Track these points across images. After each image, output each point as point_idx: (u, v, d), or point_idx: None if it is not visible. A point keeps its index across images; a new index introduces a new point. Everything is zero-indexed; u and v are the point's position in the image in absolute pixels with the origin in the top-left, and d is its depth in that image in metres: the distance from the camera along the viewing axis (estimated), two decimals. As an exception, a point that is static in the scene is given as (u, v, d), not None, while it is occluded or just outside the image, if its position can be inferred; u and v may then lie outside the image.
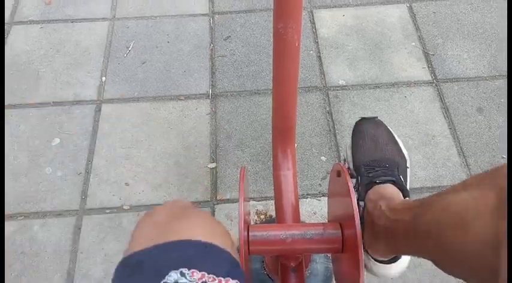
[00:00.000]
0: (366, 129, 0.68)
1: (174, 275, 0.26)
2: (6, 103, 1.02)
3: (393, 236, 0.49)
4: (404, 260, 0.59)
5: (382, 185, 0.58)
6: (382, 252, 0.55)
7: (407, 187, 0.61)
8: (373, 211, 0.54)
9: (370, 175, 0.60)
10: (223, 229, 0.39)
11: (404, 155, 0.67)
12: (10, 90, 1.05)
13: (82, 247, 0.83)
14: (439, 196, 0.41)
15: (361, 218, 0.54)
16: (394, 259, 0.58)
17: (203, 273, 0.27)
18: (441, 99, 1.03)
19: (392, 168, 0.61)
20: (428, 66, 1.09)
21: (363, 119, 0.71)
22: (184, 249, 0.30)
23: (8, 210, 0.87)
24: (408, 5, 1.21)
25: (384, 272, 0.60)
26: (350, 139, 0.70)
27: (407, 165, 0.66)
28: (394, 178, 0.59)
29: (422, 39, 1.14)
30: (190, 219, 0.36)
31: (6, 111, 1.01)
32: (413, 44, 1.13)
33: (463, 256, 0.34)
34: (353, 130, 0.71)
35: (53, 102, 1.03)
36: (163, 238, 0.31)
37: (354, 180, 0.63)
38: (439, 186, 0.90)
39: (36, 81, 1.07)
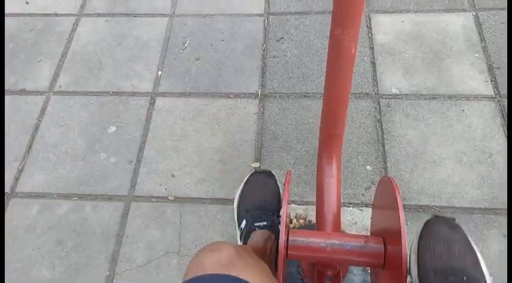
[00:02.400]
0: (440, 231, 0.56)
1: None
2: (70, 90, 1.10)
3: None
4: None
5: None
6: None
7: None
8: None
9: None
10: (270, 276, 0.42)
11: (484, 274, 0.53)
12: (75, 78, 1.12)
13: (128, 232, 0.88)
14: None
15: None
16: None
17: None
18: (502, 115, 0.97)
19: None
20: (491, 80, 1.02)
21: (436, 217, 0.58)
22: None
23: (64, 190, 0.94)
24: (474, 13, 1.14)
25: None
26: (416, 242, 0.57)
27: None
28: None
29: (486, 51, 1.07)
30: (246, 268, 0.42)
31: (69, 97, 1.09)
32: (477, 55, 1.07)
33: None
34: (422, 228, 0.58)
35: (112, 92, 1.09)
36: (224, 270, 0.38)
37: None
38: (492, 208, 0.85)
39: (98, 71, 1.13)
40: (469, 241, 0.56)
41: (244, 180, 0.79)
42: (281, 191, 0.78)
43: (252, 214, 0.72)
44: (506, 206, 0.85)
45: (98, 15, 1.26)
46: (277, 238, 0.68)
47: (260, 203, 0.74)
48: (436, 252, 0.53)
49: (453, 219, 0.58)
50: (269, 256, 0.66)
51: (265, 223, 0.69)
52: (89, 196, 0.93)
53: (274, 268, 0.71)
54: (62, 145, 1.01)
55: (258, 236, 0.68)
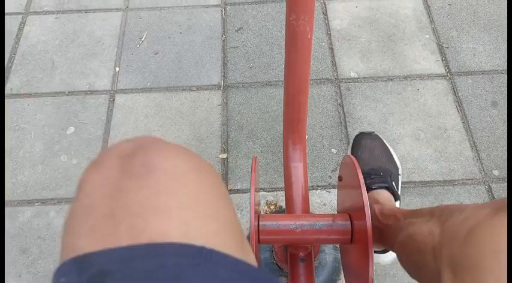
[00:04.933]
0: (364, 143, 0.79)
1: None
2: (23, 92, 1.05)
3: (383, 235, 0.56)
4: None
5: (377, 191, 0.67)
6: (375, 245, 0.61)
7: (399, 192, 0.72)
8: None
9: (367, 182, 0.68)
10: (218, 189, 0.25)
11: (396, 164, 0.78)
12: (26, 79, 1.07)
13: (96, 233, 0.85)
14: (413, 219, 0.47)
15: None
16: (385, 250, 0.67)
17: None
18: (455, 92, 1.02)
19: (385, 176, 0.70)
20: (442, 59, 1.08)
21: (361, 133, 0.82)
22: (162, 257, 0.19)
23: (25, 196, 0.90)
24: (423, -4, 1.19)
25: (378, 260, 0.69)
26: (350, 152, 0.81)
27: (399, 172, 0.77)
28: (387, 185, 0.68)
29: (436, 32, 1.12)
30: (155, 183, 0.23)
31: (22, 100, 1.04)
32: (428, 36, 1.12)
33: (416, 273, 0.44)
34: (352, 142, 0.82)
35: (67, 92, 1.05)
36: (119, 233, 0.20)
37: None
38: (450, 180, 0.90)
39: (52, 71, 1.08)
40: (385, 144, 0.80)
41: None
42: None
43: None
44: (462, 177, 0.90)
45: (46, 12, 1.20)
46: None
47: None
48: (362, 158, 0.75)
49: (373, 132, 0.82)
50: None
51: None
52: (51, 200, 0.90)
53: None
54: (18, 149, 0.96)
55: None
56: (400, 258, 0.49)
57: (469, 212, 0.35)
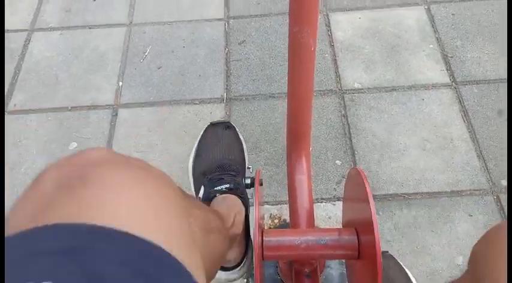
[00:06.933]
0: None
1: None
2: (26, 108, 1.05)
3: None
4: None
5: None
6: None
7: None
8: None
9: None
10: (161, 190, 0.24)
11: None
12: (30, 95, 1.07)
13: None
14: None
15: None
16: None
17: None
18: (460, 101, 1.01)
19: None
20: (446, 69, 1.07)
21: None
22: (65, 238, 0.17)
23: (27, 213, 0.89)
24: (426, 7, 1.19)
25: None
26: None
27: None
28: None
29: (440, 42, 1.12)
30: (101, 181, 0.22)
31: (25, 116, 1.04)
32: (432, 46, 1.11)
33: None
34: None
35: (70, 107, 1.05)
36: (38, 219, 0.19)
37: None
38: (458, 191, 0.88)
39: (55, 86, 1.09)
40: (399, 264, 0.66)
41: (199, 138, 0.65)
42: (246, 156, 0.70)
43: (210, 177, 0.58)
44: (470, 188, 0.88)
45: (51, 29, 1.21)
46: (244, 204, 0.56)
47: (219, 162, 0.59)
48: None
49: (386, 251, 0.68)
50: (232, 228, 0.52)
51: (227, 185, 0.56)
52: (54, 216, 0.89)
53: (244, 245, 0.62)
54: (20, 166, 0.96)
55: (218, 202, 0.53)
56: None
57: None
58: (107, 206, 0.20)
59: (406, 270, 0.67)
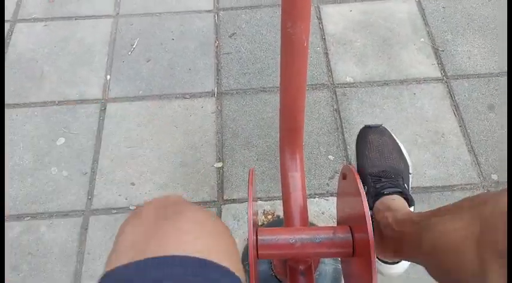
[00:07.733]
0: (371, 139, 0.70)
1: None
2: (11, 102, 1.02)
3: (399, 245, 0.52)
4: (406, 262, 0.63)
5: (389, 196, 0.60)
6: (388, 256, 0.58)
7: (410, 191, 0.65)
8: (381, 220, 0.56)
9: (378, 186, 0.62)
10: (224, 232, 0.35)
11: (407, 161, 0.70)
12: (14, 89, 1.04)
13: (89, 248, 0.83)
14: (438, 217, 0.43)
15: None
16: (397, 261, 0.62)
17: None
18: (451, 96, 1.01)
19: (397, 178, 0.63)
20: (438, 63, 1.07)
21: (367, 127, 0.73)
22: (170, 267, 0.26)
23: (14, 211, 0.87)
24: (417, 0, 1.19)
25: (388, 271, 0.64)
26: (355, 149, 0.73)
27: (410, 171, 0.70)
28: (400, 189, 0.61)
29: (431, 35, 1.12)
30: (181, 222, 0.31)
31: (10, 110, 1.01)
32: (423, 40, 1.11)
33: (453, 277, 0.39)
34: (357, 138, 0.73)
35: (57, 102, 1.02)
36: (146, 250, 0.26)
37: None
38: (449, 186, 0.89)
39: (41, 80, 1.06)
40: (394, 139, 0.71)
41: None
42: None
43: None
44: (461, 182, 0.89)
45: (35, 19, 1.17)
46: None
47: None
48: (370, 158, 0.67)
49: (380, 125, 0.72)
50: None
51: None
52: (42, 214, 0.87)
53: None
54: (6, 162, 0.93)
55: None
56: (429, 266, 0.42)
57: (504, 200, 0.32)
58: (193, 236, 0.31)
59: (400, 143, 0.71)
